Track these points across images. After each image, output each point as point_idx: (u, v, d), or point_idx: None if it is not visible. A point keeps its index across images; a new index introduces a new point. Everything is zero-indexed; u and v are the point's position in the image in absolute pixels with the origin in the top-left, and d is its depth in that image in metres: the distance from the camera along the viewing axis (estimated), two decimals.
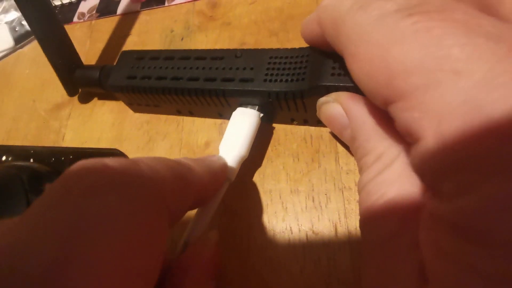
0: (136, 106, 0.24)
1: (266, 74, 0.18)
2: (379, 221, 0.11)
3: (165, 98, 0.21)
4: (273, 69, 0.18)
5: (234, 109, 0.19)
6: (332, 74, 0.15)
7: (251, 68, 0.18)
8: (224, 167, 0.17)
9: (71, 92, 0.27)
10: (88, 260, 0.09)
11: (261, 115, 0.19)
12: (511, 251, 0.07)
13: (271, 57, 0.18)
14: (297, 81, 0.17)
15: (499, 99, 0.07)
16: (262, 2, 0.26)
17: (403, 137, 0.09)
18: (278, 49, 0.18)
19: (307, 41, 0.16)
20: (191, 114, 0.23)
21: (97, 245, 0.09)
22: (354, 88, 0.15)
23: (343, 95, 0.15)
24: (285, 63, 0.18)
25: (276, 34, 0.24)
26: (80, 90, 0.27)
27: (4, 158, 0.24)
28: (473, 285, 0.07)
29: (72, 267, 0.08)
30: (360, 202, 0.12)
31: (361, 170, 0.13)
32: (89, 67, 0.25)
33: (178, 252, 0.15)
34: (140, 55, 0.22)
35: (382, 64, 0.09)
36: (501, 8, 0.10)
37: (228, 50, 0.20)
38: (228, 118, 0.22)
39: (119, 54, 0.23)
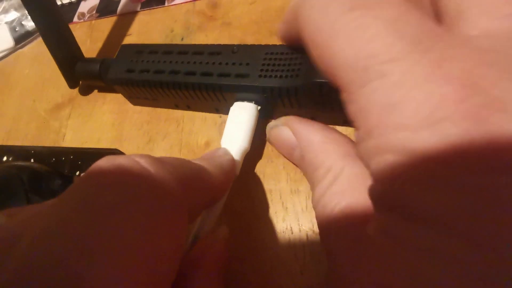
0: (135, 99, 0.24)
1: (261, 70, 0.18)
2: (338, 230, 0.12)
3: (163, 92, 0.21)
4: (268, 65, 0.18)
5: (231, 104, 0.19)
6: None
7: (247, 64, 0.19)
8: (233, 163, 0.17)
9: (72, 84, 0.27)
10: (111, 256, 0.09)
11: (259, 107, 0.19)
12: (439, 225, 0.07)
13: (266, 53, 0.18)
14: (291, 77, 0.17)
15: (409, 99, 0.08)
16: (263, 2, 0.26)
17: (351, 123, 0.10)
18: (274, 45, 0.19)
19: (281, 40, 0.17)
20: (188, 108, 0.23)
21: (121, 244, 0.09)
22: None
23: (291, 119, 0.16)
24: (280, 59, 0.18)
25: (276, 34, 0.24)
26: (80, 82, 0.27)
27: (4, 158, 0.24)
28: (405, 256, 0.08)
29: (95, 264, 0.08)
30: (317, 216, 0.13)
31: (313, 186, 0.14)
32: (90, 60, 0.26)
33: (188, 246, 0.15)
34: (140, 49, 0.22)
35: (327, 53, 0.10)
36: None
37: (225, 45, 0.20)
38: (225, 113, 0.22)
39: (120, 47, 0.23)
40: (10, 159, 0.24)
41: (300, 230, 0.17)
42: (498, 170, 0.07)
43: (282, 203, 0.18)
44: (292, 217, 0.18)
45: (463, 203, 0.07)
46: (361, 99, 0.09)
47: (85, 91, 0.28)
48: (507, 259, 0.07)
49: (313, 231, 0.17)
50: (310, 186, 0.15)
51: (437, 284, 0.07)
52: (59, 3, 0.36)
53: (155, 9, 0.30)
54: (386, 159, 0.08)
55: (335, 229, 0.12)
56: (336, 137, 0.15)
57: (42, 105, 0.30)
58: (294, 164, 0.18)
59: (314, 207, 0.14)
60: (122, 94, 0.24)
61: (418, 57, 0.08)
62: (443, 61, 0.08)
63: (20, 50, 0.35)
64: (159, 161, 0.12)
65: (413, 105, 0.08)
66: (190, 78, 0.20)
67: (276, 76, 0.17)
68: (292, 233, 0.18)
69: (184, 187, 0.12)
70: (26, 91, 0.32)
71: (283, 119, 0.17)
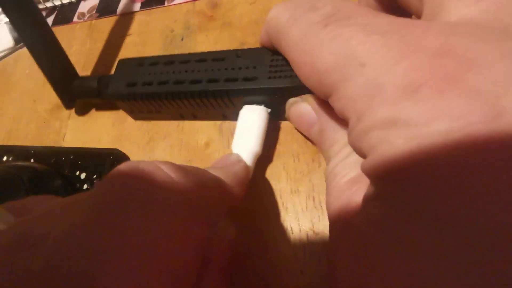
0: (137, 114, 0.24)
1: (270, 71, 0.18)
2: (342, 196, 0.12)
3: (168, 103, 0.21)
4: (276, 65, 0.18)
5: (238, 110, 0.19)
6: None
7: (254, 67, 0.18)
8: (247, 170, 0.17)
9: (68, 104, 0.26)
10: (133, 261, 0.09)
11: (269, 110, 0.19)
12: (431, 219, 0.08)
13: (273, 54, 0.18)
14: None
15: (389, 78, 0.09)
16: (263, 2, 0.26)
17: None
18: None
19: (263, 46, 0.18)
20: (194, 118, 0.23)
21: (143, 248, 0.09)
22: None
23: (311, 97, 0.17)
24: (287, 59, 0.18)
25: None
26: (76, 101, 0.27)
27: (4, 158, 0.24)
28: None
29: (121, 273, 0.09)
30: (327, 185, 0.14)
31: (328, 160, 0.15)
32: (86, 77, 0.25)
33: None
34: (139, 62, 0.22)
35: (311, 68, 0.11)
36: None
37: (228, 51, 0.20)
38: (233, 119, 0.22)
39: (117, 63, 0.23)
40: (10, 159, 0.24)
41: (300, 230, 0.17)
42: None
43: (282, 203, 0.18)
44: (292, 217, 0.18)
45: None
46: (348, 92, 0.10)
47: (81, 111, 0.28)
48: (508, 260, 0.07)
49: (313, 231, 0.17)
50: (326, 161, 0.15)
51: (436, 283, 0.07)
52: (59, 3, 0.36)
53: (155, 9, 0.30)
54: (374, 135, 0.09)
55: (339, 199, 0.13)
56: None
57: (43, 105, 0.30)
58: (310, 140, 0.19)
59: (326, 178, 0.14)
60: (123, 109, 0.24)
61: (393, 43, 0.09)
62: (418, 40, 0.09)
63: (20, 50, 0.35)
64: (181, 168, 0.12)
65: (393, 80, 0.08)
66: (196, 86, 0.19)
67: (286, 76, 0.17)
68: (292, 233, 0.18)
69: (203, 196, 0.12)
70: (26, 91, 0.32)
71: (303, 96, 0.17)
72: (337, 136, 0.15)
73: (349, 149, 0.14)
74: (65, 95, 0.26)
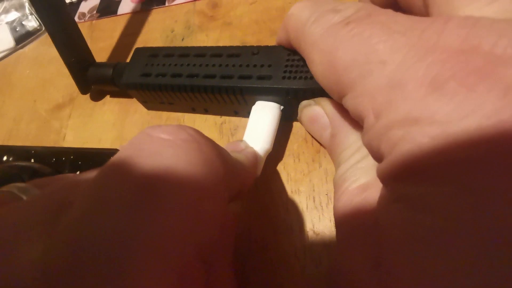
0: (150, 104, 0.24)
1: (285, 72, 0.18)
2: (351, 202, 0.12)
3: (181, 96, 0.21)
4: (291, 66, 0.18)
5: (250, 107, 0.19)
6: None
7: (269, 65, 0.18)
8: (255, 156, 0.17)
9: (83, 89, 0.27)
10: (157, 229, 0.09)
11: (282, 107, 0.19)
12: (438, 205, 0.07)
13: (289, 54, 0.18)
14: None
15: (411, 75, 0.08)
16: (263, 2, 0.26)
17: (359, 122, 0.11)
18: None
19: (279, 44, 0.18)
20: (206, 111, 0.23)
21: (168, 223, 0.09)
22: None
23: (325, 99, 0.16)
24: (303, 60, 0.18)
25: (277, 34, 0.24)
26: (92, 87, 0.27)
27: (5, 158, 0.24)
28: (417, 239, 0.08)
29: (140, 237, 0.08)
30: (335, 191, 0.14)
31: (338, 164, 0.15)
32: (102, 64, 0.25)
33: None
34: (154, 52, 0.22)
35: (330, 67, 0.11)
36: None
37: (244, 47, 0.20)
38: (244, 115, 0.21)
39: (133, 51, 0.23)
40: (10, 159, 0.24)
41: (300, 230, 0.17)
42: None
43: (283, 203, 0.18)
44: (293, 217, 0.18)
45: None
46: (367, 88, 0.10)
47: (96, 97, 0.28)
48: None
49: (314, 231, 0.17)
50: (335, 166, 0.15)
51: (452, 251, 0.07)
52: None
53: (155, 9, 0.30)
54: (395, 133, 0.08)
55: (349, 205, 0.12)
56: None
57: (43, 105, 0.30)
58: (321, 144, 0.18)
59: (335, 184, 0.14)
60: (136, 98, 0.24)
61: (415, 40, 0.09)
62: (439, 35, 0.08)
63: (20, 50, 0.35)
64: (208, 139, 0.12)
65: (417, 76, 0.08)
66: (209, 81, 0.19)
67: (301, 78, 0.17)
68: (292, 233, 0.18)
69: (226, 171, 0.12)
70: (27, 91, 0.32)
71: (317, 99, 0.17)
72: (349, 141, 0.15)
73: (360, 155, 0.14)
74: (81, 80, 0.26)
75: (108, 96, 0.27)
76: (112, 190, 0.09)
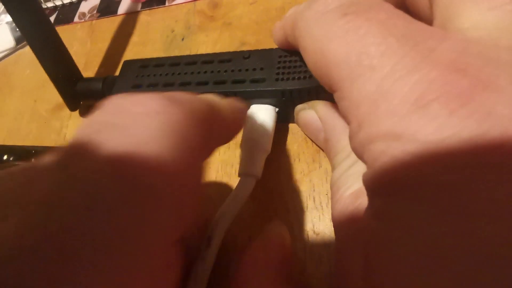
0: None
1: (278, 73, 0.18)
2: (346, 211, 0.12)
3: None
4: (284, 67, 0.18)
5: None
6: None
7: (261, 68, 0.18)
8: (240, 104, 0.16)
9: (72, 106, 0.26)
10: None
11: (277, 109, 0.19)
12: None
13: (280, 56, 0.18)
14: (310, 77, 0.17)
15: (397, 88, 0.08)
16: (263, 2, 0.26)
17: (346, 121, 0.11)
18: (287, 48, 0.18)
19: (277, 44, 0.18)
20: None
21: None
22: None
23: (318, 103, 0.17)
24: (295, 61, 0.18)
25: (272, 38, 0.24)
26: (81, 103, 0.27)
27: (5, 157, 0.24)
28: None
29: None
30: (331, 197, 0.14)
31: (333, 168, 0.15)
32: (91, 79, 0.25)
33: (203, 247, 0.16)
34: (144, 63, 0.22)
35: (322, 57, 0.11)
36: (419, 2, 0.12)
37: (235, 52, 0.20)
38: None
39: (122, 63, 0.23)
40: (11, 158, 0.24)
41: (300, 230, 0.17)
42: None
43: (283, 203, 0.18)
44: (293, 217, 0.18)
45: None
46: (353, 94, 0.09)
47: (86, 113, 0.27)
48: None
49: (314, 231, 0.17)
50: (331, 169, 0.15)
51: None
52: (60, 3, 0.36)
53: (155, 9, 0.30)
54: (376, 146, 0.08)
55: (343, 213, 0.12)
56: None
57: (43, 105, 0.30)
58: (319, 146, 0.19)
59: (331, 188, 0.14)
60: None
61: (407, 50, 0.09)
62: (431, 52, 0.08)
63: (21, 50, 0.35)
64: (179, 104, 0.11)
65: (402, 91, 0.08)
66: (202, 88, 0.19)
67: (294, 78, 0.17)
68: (292, 233, 0.18)
69: (203, 131, 0.12)
70: (27, 91, 0.32)
71: (310, 102, 0.17)
72: (340, 145, 0.15)
73: (351, 160, 0.14)
74: (69, 97, 0.26)
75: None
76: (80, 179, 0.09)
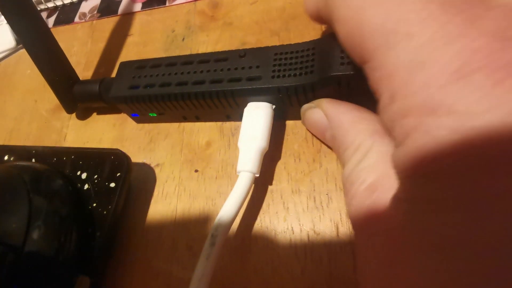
0: (140, 117, 0.24)
1: (274, 71, 0.18)
2: (363, 205, 0.12)
3: (171, 105, 0.21)
4: (279, 65, 0.18)
5: (242, 110, 0.19)
6: (342, 64, 0.15)
7: (257, 66, 0.18)
8: None
9: (69, 108, 0.26)
10: None
11: (274, 106, 0.19)
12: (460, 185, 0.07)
13: (276, 54, 0.18)
14: (306, 74, 0.17)
15: (437, 57, 0.07)
16: (264, 2, 0.26)
17: (375, 96, 0.10)
18: (282, 45, 0.18)
19: (309, 15, 0.17)
20: (197, 119, 0.23)
21: None
22: (365, 75, 0.15)
23: (323, 101, 0.16)
24: (291, 58, 0.18)
25: (277, 34, 0.24)
26: (78, 105, 0.26)
27: (6, 157, 0.24)
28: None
29: None
30: (345, 193, 0.14)
31: (343, 164, 0.15)
32: (88, 81, 0.25)
33: (208, 245, 0.16)
34: (140, 64, 0.22)
35: (357, 26, 0.10)
36: None
37: (231, 51, 0.20)
38: (236, 119, 0.21)
39: (118, 65, 0.23)
40: (11, 159, 0.24)
41: (301, 230, 0.17)
42: None
43: (283, 203, 0.18)
44: (293, 217, 0.18)
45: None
46: (386, 63, 0.09)
47: (82, 116, 0.27)
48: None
49: (314, 231, 0.17)
50: (341, 166, 0.15)
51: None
52: (60, 3, 0.36)
53: (156, 9, 0.30)
54: (409, 121, 0.08)
55: (361, 208, 0.12)
56: (366, 116, 0.15)
57: (44, 105, 0.30)
58: (327, 145, 0.18)
59: (343, 185, 0.14)
60: (126, 112, 0.24)
61: (450, 17, 0.08)
62: (476, 19, 0.08)
63: (21, 51, 0.35)
64: None
65: (443, 60, 0.07)
66: (199, 87, 0.19)
67: (290, 75, 0.17)
68: (293, 233, 0.18)
69: None
70: (28, 91, 0.32)
71: (316, 101, 0.17)
72: (348, 139, 0.14)
73: (360, 153, 0.13)
74: (66, 100, 0.26)
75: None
76: None
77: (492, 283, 0.07)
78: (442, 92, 0.07)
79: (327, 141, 0.17)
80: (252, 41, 0.24)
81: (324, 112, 0.16)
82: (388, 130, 0.09)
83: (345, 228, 0.17)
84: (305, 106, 0.18)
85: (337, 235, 0.17)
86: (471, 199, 0.07)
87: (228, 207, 0.17)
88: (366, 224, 0.12)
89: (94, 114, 0.27)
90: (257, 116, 0.18)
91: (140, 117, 0.24)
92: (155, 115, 0.23)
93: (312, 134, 0.20)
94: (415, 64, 0.08)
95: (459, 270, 0.07)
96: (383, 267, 0.10)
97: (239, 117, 0.20)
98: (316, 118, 0.17)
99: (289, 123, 0.20)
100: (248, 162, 0.18)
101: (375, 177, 0.12)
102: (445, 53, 0.07)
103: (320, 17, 0.15)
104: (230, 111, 0.21)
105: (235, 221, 0.17)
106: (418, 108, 0.08)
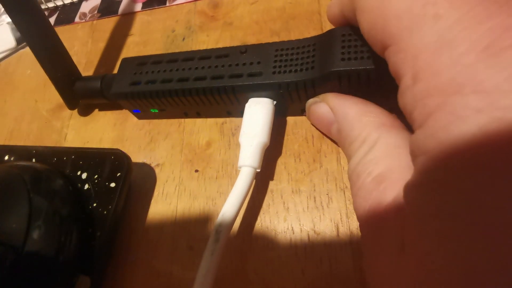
0: (142, 113, 0.24)
1: (275, 67, 0.18)
2: (370, 196, 0.12)
3: (172, 101, 0.21)
4: (280, 61, 0.18)
5: (243, 106, 0.19)
6: (342, 59, 0.15)
7: (258, 62, 0.18)
8: None
9: (71, 105, 0.26)
10: None
11: (275, 102, 0.19)
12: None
13: (277, 50, 0.18)
14: (307, 70, 0.17)
15: (465, 36, 0.07)
16: (264, 2, 0.26)
17: (395, 80, 0.10)
18: (283, 42, 0.19)
19: (332, 23, 0.17)
20: (198, 115, 0.23)
21: None
22: (365, 71, 0.15)
23: (329, 95, 0.16)
24: (292, 54, 0.18)
25: (277, 34, 0.24)
26: (80, 102, 0.27)
27: (6, 157, 0.25)
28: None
29: None
30: (351, 186, 0.13)
31: (349, 158, 0.14)
32: (89, 77, 0.25)
33: (212, 241, 0.16)
34: (142, 61, 0.22)
35: (379, 12, 0.10)
36: None
37: (232, 47, 0.20)
38: (237, 115, 0.21)
39: (120, 61, 0.23)
40: (12, 158, 0.24)
41: (301, 230, 0.17)
42: None
43: (284, 203, 0.18)
44: (293, 217, 0.18)
45: None
46: (411, 44, 0.08)
47: (84, 112, 0.28)
48: None
49: (314, 231, 0.17)
50: (347, 160, 0.15)
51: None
52: (60, 3, 0.36)
53: (156, 9, 0.30)
54: (434, 100, 0.07)
55: (367, 199, 0.12)
56: (372, 109, 0.15)
57: (44, 105, 0.30)
58: (332, 140, 0.18)
59: (349, 178, 0.14)
60: (127, 109, 0.24)
61: (477, 1, 0.08)
62: (507, 1, 0.07)
63: (22, 50, 0.35)
64: None
65: (470, 39, 0.07)
66: (200, 83, 0.19)
67: (291, 71, 0.17)
68: (293, 233, 0.18)
69: None
70: (28, 91, 0.32)
71: (321, 96, 0.17)
72: (354, 132, 0.14)
73: (367, 146, 0.13)
74: (68, 96, 0.26)
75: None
76: None
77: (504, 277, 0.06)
78: (469, 70, 0.07)
79: (333, 135, 0.17)
80: (252, 41, 0.24)
81: (330, 106, 0.16)
82: (407, 114, 0.09)
83: (345, 228, 0.17)
84: (310, 100, 0.18)
85: (337, 235, 0.17)
86: (499, 184, 0.06)
87: (231, 203, 0.17)
88: (373, 215, 0.11)
89: (95, 113, 0.27)
90: (258, 111, 0.18)
91: (141, 113, 0.24)
92: (157, 111, 0.23)
93: (312, 135, 0.20)
94: (442, 44, 0.08)
95: (475, 259, 0.07)
96: (391, 258, 0.10)
97: (240, 113, 0.20)
98: (322, 112, 0.17)
99: (290, 123, 0.20)
100: (249, 157, 0.18)
101: (382, 169, 0.12)
102: (475, 32, 0.07)
103: (342, 16, 0.15)
104: (231, 107, 0.21)
105: (235, 221, 0.17)
106: (443, 87, 0.07)
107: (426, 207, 0.08)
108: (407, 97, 0.09)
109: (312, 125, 0.19)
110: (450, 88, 0.07)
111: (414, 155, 0.09)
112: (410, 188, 0.09)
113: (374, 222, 0.11)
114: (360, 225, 0.13)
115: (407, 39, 0.09)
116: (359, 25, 0.12)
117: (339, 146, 0.18)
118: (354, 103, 0.15)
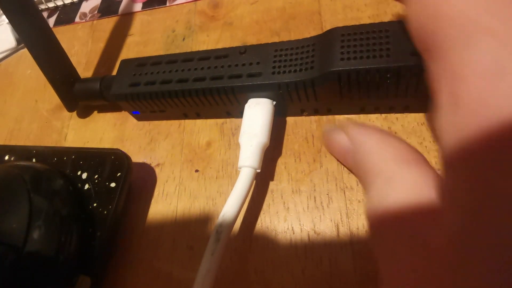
0: (141, 114, 0.24)
1: (274, 67, 0.18)
2: (385, 231, 0.11)
3: (172, 102, 0.21)
4: (280, 61, 0.18)
5: (243, 107, 0.19)
6: (342, 59, 0.15)
7: (258, 63, 0.18)
8: None
9: (70, 106, 0.26)
10: None
11: (274, 102, 0.19)
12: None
13: (276, 50, 0.18)
14: (306, 70, 0.17)
15: None
16: (264, 2, 0.26)
17: (429, 86, 0.09)
18: (282, 42, 0.19)
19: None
20: (198, 116, 0.23)
21: None
22: (365, 70, 0.15)
23: (347, 123, 0.16)
24: (291, 54, 0.18)
25: (277, 34, 0.24)
26: (79, 103, 0.27)
27: (6, 157, 0.25)
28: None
29: None
30: (367, 218, 0.12)
31: (365, 190, 0.13)
32: (88, 79, 0.25)
33: (213, 241, 0.16)
34: (141, 62, 0.22)
35: (432, 13, 0.09)
36: None
37: (231, 48, 0.20)
38: (237, 116, 0.21)
39: (119, 63, 0.23)
40: (12, 158, 0.24)
41: (301, 230, 0.17)
42: None
43: (284, 203, 0.18)
44: (294, 217, 0.18)
45: None
46: (457, 62, 0.08)
47: (83, 114, 0.27)
48: None
49: (314, 231, 0.17)
50: (364, 191, 0.14)
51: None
52: (61, 3, 0.36)
53: (156, 9, 0.30)
54: (481, 128, 0.07)
55: (382, 231, 0.11)
56: (391, 141, 0.14)
57: (45, 105, 0.30)
58: (348, 168, 0.18)
59: (366, 211, 0.13)
60: (126, 110, 0.24)
61: None
62: None
63: (22, 50, 0.35)
64: None
65: None
66: (200, 84, 0.19)
67: (290, 71, 0.17)
68: (293, 233, 0.18)
69: None
70: (28, 91, 0.32)
71: (339, 123, 0.17)
72: (371, 164, 0.13)
73: (384, 177, 0.12)
74: (67, 98, 0.26)
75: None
76: None
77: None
78: None
79: (348, 164, 0.17)
80: (252, 41, 0.24)
81: (348, 134, 0.15)
82: (440, 132, 0.08)
83: (345, 228, 0.17)
84: (327, 127, 0.17)
85: (338, 235, 0.17)
86: None
87: (231, 203, 0.17)
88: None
89: (95, 113, 0.27)
90: (257, 112, 0.18)
91: (141, 115, 0.24)
92: (156, 112, 0.23)
93: (312, 135, 0.20)
94: (496, 69, 0.07)
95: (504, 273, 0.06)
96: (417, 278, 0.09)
97: (239, 114, 0.20)
98: (339, 140, 0.16)
99: (290, 123, 0.20)
100: (249, 157, 0.18)
101: (400, 205, 0.11)
102: None
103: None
104: (231, 107, 0.21)
105: (235, 221, 0.17)
106: (494, 119, 0.06)
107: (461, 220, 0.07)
108: (443, 118, 0.08)
109: (329, 152, 0.19)
110: (500, 119, 0.06)
111: (450, 162, 0.08)
112: (445, 201, 0.08)
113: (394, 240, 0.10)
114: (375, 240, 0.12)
115: (454, 55, 0.08)
116: (407, 14, 0.10)
117: (356, 176, 0.18)
118: (373, 133, 0.14)
